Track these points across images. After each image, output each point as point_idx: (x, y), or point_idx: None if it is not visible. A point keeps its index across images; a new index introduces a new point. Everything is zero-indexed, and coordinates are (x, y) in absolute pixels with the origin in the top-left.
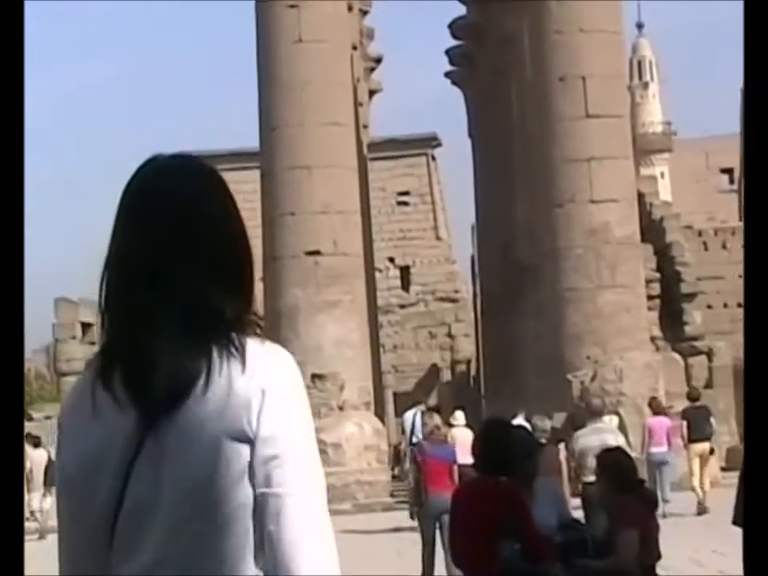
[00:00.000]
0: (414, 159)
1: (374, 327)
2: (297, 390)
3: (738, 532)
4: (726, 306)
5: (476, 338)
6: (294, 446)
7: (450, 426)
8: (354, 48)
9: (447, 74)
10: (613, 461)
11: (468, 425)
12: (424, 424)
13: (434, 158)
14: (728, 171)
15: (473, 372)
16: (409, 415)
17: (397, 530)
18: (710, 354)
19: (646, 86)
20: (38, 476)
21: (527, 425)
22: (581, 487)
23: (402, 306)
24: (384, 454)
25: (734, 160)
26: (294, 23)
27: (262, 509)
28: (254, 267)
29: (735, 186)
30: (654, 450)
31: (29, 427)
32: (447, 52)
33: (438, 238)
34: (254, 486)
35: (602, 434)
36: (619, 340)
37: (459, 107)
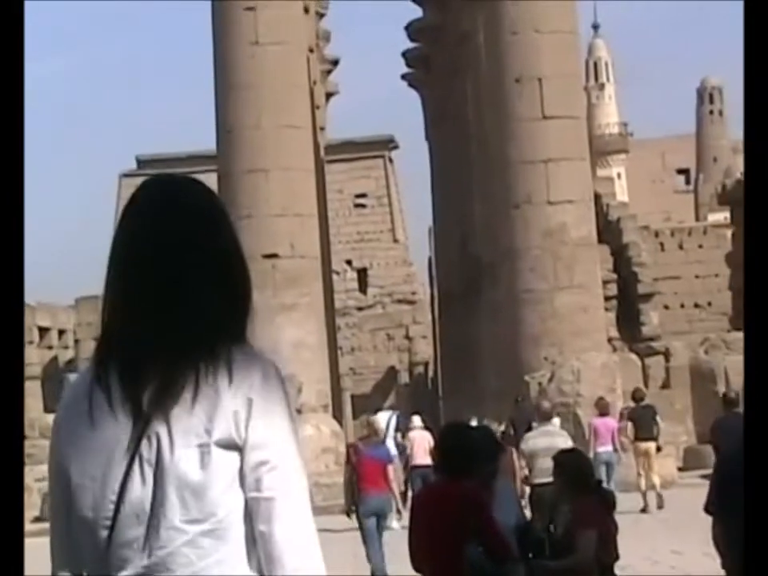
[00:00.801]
0: (371, 161)
1: (332, 330)
2: (281, 399)
3: (695, 530)
4: (682, 306)
5: (434, 340)
6: (280, 452)
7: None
8: (311, 50)
9: (404, 76)
10: (571, 461)
11: (426, 427)
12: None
13: (391, 160)
14: (684, 172)
15: (431, 374)
16: (383, 416)
17: (355, 530)
18: (666, 354)
19: (602, 87)
20: None
21: None
22: (528, 489)
23: (360, 309)
24: (342, 457)
25: (691, 160)
26: (250, 25)
27: (253, 511)
28: (250, 281)
29: (691, 187)
30: (599, 449)
31: None
32: (404, 54)
33: (396, 240)
34: (244, 491)
35: (551, 436)
36: (576, 341)
37: (416, 109)
